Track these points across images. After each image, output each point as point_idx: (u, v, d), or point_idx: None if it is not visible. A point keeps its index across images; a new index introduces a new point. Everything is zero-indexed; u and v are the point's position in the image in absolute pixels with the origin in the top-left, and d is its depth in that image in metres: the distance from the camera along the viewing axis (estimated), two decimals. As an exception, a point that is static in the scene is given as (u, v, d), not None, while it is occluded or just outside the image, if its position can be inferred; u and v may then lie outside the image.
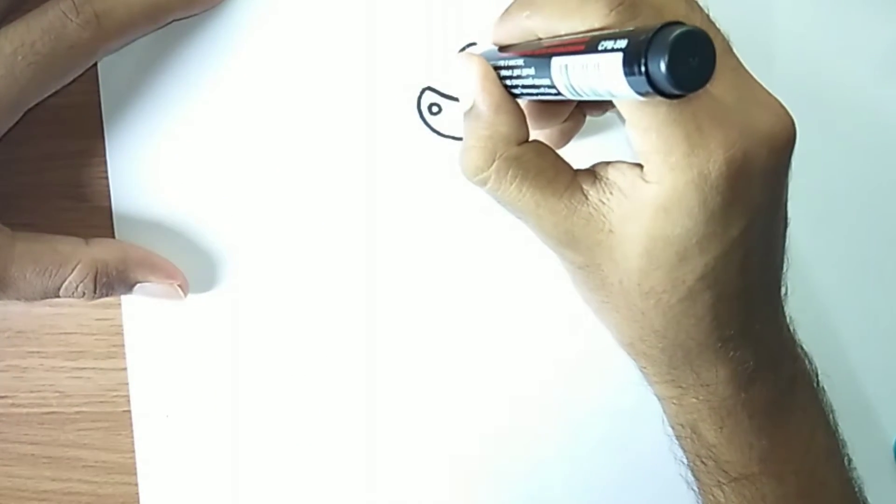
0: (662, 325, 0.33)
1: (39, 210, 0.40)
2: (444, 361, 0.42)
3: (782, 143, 0.31)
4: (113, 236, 0.40)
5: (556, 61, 0.29)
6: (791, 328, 0.36)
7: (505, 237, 0.41)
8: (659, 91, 0.25)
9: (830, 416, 0.37)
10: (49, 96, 0.36)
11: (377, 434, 0.43)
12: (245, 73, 0.39)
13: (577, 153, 0.34)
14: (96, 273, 0.37)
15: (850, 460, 0.38)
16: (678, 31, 0.25)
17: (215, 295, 0.41)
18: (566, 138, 0.37)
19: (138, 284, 0.38)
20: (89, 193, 0.40)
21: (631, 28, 0.27)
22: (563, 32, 0.30)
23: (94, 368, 0.42)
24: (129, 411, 0.42)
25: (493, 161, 0.32)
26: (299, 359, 0.42)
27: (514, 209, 0.33)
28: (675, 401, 0.36)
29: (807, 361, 0.37)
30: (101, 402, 0.42)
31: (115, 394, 0.42)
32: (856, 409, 0.43)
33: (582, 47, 0.27)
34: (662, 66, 0.24)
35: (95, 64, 0.38)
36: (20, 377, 0.42)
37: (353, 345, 0.42)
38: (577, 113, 0.36)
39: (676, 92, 0.25)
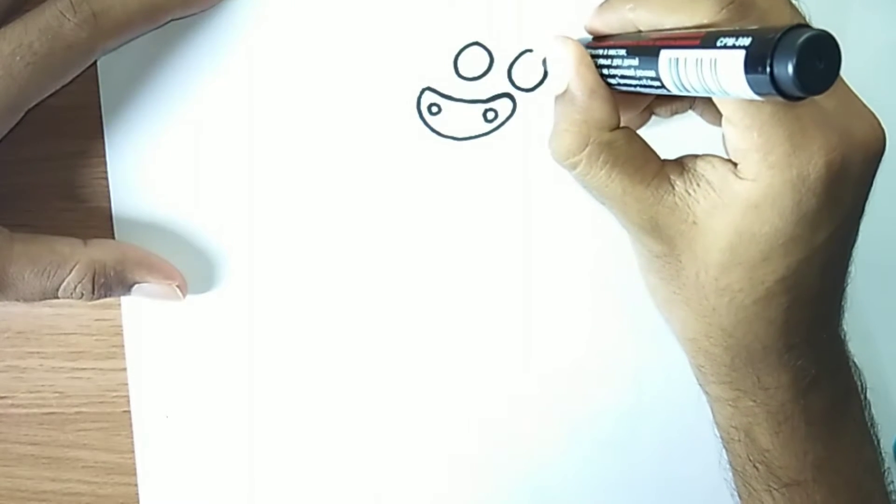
0: (732, 324, 0.33)
1: (38, 211, 0.40)
2: (445, 361, 0.42)
3: (874, 153, 0.31)
4: (112, 237, 0.40)
5: (666, 54, 0.29)
6: (846, 340, 0.36)
7: (505, 237, 0.41)
8: (780, 92, 0.25)
9: (874, 430, 0.38)
10: (48, 97, 0.36)
11: (377, 433, 0.43)
12: (244, 73, 0.39)
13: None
14: (94, 274, 0.37)
15: (889, 474, 0.38)
16: (808, 33, 0.24)
17: (214, 296, 0.41)
18: None
19: (136, 285, 0.38)
20: (88, 194, 0.40)
21: (743, 27, 0.26)
22: (667, 27, 0.30)
23: (93, 369, 0.42)
24: (129, 412, 0.42)
25: (586, 146, 0.32)
26: (299, 358, 0.42)
27: (600, 194, 0.33)
28: (731, 403, 0.36)
29: (858, 375, 0.37)
30: (101, 402, 0.42)
31: (114, 394, 0.42)
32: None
33: (697, 42, 0.27)
34: (790, 68, 0.24)
35: (94, 64, 0.38)
36: (20, 377, 0.42)
37: (353, 344, 0.42)
38: (646, 111, 0.36)
39: (799, 94, 0.25)
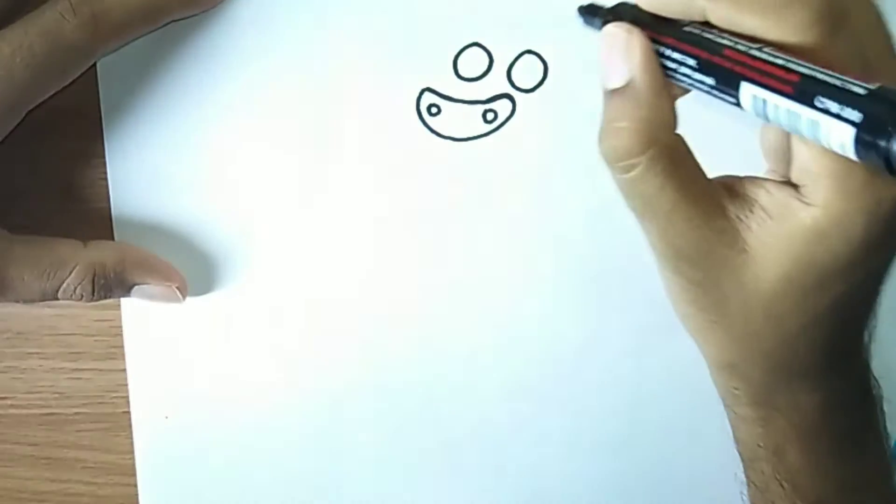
0: (774, 348, 0.31)
1: (38, 212, 0.40)
2: (444, 361, 0.42)
3: None
4: (112, 238, 0.40)
5: (750, 90, 0.26)
6: (871, 355, 0.35)
7: (504, 236, 0.41)
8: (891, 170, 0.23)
9: (888, 442, 0.37)
10: (49, 97, 0.36)
11: (376, 434, 0.43)
12: (244, 74, 0.39)
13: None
14: (94, 275, 0.37)
15: None
16: None
17: (214, 297, 0.41)
18: None
19: (136, 286, 0.38)
20: (88, 195, 0.40)
21: (834, 71, 0.24)
22: (742, 28, 0.27)
23: (93, 369, 0.42)
24: (129, 412, 0.42)
25: (649, 147, 0.28)
26: (298, 360, 0.42)
27: (645, 208, 0.30)
28: (761, 423, 0.34)
29: (877, 388, 0.36)
30: (101, 403, 0.42)
31: (114, 395, 0.42)
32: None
33: (789, 89, 0.25)
34: None
35: (94, 65, 0.38)
36: (20, 378, 0.42)
37: (353, 345, 0.42)
38: None
39: None
